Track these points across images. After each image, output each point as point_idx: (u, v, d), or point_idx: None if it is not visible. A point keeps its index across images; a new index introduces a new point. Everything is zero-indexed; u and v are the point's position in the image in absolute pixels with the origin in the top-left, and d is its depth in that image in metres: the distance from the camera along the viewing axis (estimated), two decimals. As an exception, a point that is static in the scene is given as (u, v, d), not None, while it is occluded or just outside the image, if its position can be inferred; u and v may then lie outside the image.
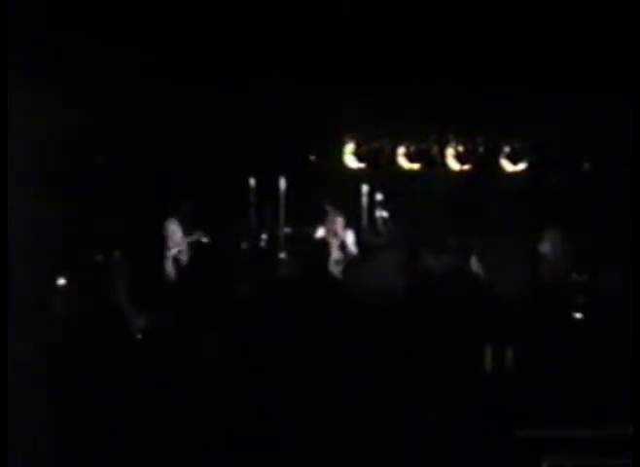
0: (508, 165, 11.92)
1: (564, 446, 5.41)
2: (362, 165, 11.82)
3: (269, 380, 6.01)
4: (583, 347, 7.07)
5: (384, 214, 11.99)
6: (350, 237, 10.46)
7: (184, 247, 10.03)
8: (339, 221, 10.39)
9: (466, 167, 11.87)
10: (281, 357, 6.27)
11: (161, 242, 10.17)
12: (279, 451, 5.45)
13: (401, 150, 11.82)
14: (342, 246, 10.25)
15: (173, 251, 10.01)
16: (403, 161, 11.85)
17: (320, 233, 10.36)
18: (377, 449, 5.48)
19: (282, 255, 10.87)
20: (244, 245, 11.00)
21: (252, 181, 11.48)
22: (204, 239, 10.04)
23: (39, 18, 7.74)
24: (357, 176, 11.93)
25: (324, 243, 9.99)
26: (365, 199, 12.01)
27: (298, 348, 6.44)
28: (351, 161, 11.76)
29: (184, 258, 9.99)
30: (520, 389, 6.47)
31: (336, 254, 9.99)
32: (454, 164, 11.86)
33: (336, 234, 10.24)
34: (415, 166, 11.89)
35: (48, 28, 8.03)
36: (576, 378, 6.41)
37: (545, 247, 9.70)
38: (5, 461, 4.71)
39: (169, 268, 10.04)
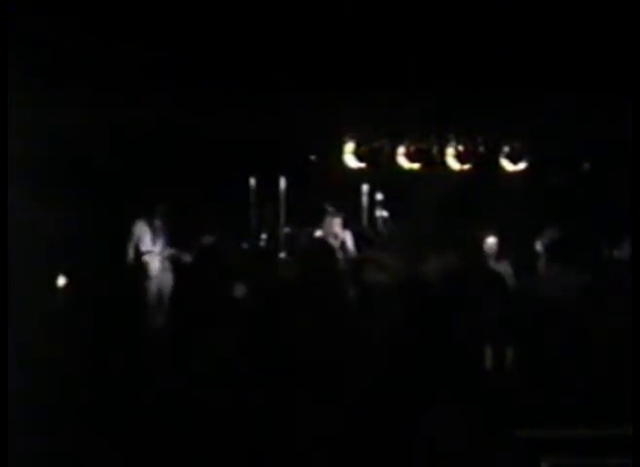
0: (508, 165, 11.92)
1: (564, 446, 5.41)
2: (362, 165, 11.82)
3: (270, 381, 6.01)
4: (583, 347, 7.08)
5: (384, 214, 11.99)
6: (349, 238, 10.46)
7: (157, 250, 10.03)
8: (338, 221, 10.39)
9: (466, 167, 11.87)
10: (281, 358, 6.27)
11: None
12: (279, 451, 5.46)
13: (401, 150, 11.81)
14: (342, 247, 10.25)
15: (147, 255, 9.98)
16: (403, 161, 11.85)
17: (318, 234, 10.36)
18: (377, 449, 5.48)
19: (282, 255, 10.88)
20: (244, 245, 11.01)
21: (252, 181, 11.49)
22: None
23: (39, 18, 7.74)
24: (357, 176, 11.93)
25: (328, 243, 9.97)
26: (365, 199, 12.01)
27: (298, 348, 6.44)
28: (351, 160, 11.75)
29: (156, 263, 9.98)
30: (520, 389, 6.47)
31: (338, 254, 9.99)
32: (454, 164, 11.86)
33: (336, 236, 10.25)
34: (415, 166, 11.88)
35: (48, 28, 8.03)
36: (576, 378, 6.42)
37: (543, 245, 9.71)
38: (5, 461, 4.71)
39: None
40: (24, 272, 5.97)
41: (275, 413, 5.74)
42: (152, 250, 10.09)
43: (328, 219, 10.56)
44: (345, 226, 10.69)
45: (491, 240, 9.87)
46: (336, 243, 10.08)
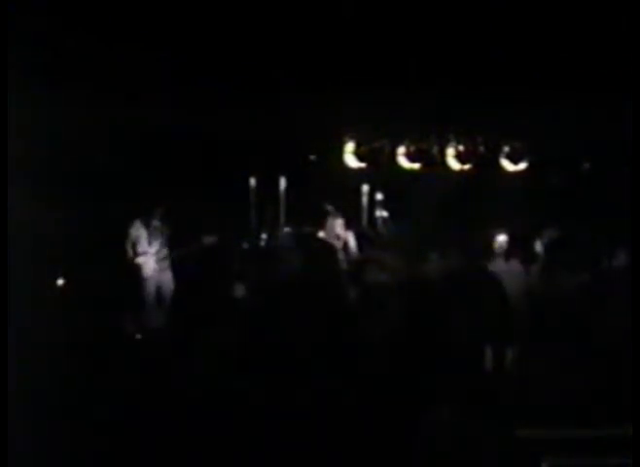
0: (508, 165, 11.91)
1: (564, 446, 5.42)
2: (362, 165, 11.82)
3: (271, 381, 6.01)
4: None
5: (384, 214, 11.99)
6: (352, 239, 10.45)
7: (153, 251, 10.02)
8: (340, 222, 10.38)
9: (466, 167, 11.87)
10: (283, 357, 6.27)
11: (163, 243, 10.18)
12: (279, 451, 5.46)
13: (401, 150, 11.81)
14: (345, 248, 10.24)
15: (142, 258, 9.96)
16: (403, 161, 11.84)
17: (321, 235, 10.34)
18: (377, 449, 5.48)
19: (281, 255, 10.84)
20: (244, 245, 10.99)
21: (252, 181, 11.48)
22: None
23: (39, 18, 7.74)
24: (357, 176, 11.93)
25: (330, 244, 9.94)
26: (365, 199, 12.01)
27: (299, 348, 6.44)
28: (351, 160, 11.75)
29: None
30: (520, 389, 6.47)
31: (340, 255, 9.98)
32: (454, 164, 11.86)
33: (338, 237, 10.24)
34: (415, 166, 11.88)
35: (48, 28, 8.03)
36: (576, 378, 6.42)
37: (542, 245, 9.70)
38: (5, 461, 4.71)
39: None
40: (24, 272, 5.97)
41: (276, 413, 5.74)
42: (147, 251, 10.08)
43: (330, 220, 10.54)
44: (347, 226, 10.67)
45: (501, 238, 9.80)
46: (338, 244, 10.08)
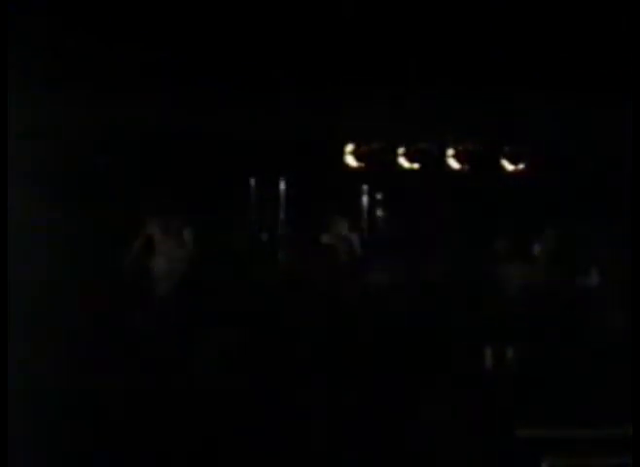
0: (508, 165, 11.91)
1: (564, 446, 5.42)
2: (362, 165, 11.81)
3: (271, 380, 6.02)
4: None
5: (384, 214, 11.99)
6: (356, 240, 10.45)
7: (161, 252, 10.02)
8: (343, 224, 10.38)
9: (466, 167, 11.86)
10: (283, 357, 6.28)
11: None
12: (280, 450, 5.46)
13: (401, 150, 11.80)
14: (349, 249, 10.24)
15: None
16: (403, 161, 11.84)
17: (325, 238, 10.34)
18: (377, 448, 5.48)
19: (282, 255, 10.86)
20: (244, 245, 11.00)
21: (252, 181, 11.49)
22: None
23: (39, 18, 7.74)
24: (357, 176, 11.93)
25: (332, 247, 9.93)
26: (365, 199, 12.01)
27: (299, 348, 6.45)
28: (351, 160, 11.75)
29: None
30: (520, 389, 6.48)
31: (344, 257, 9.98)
32: (454, 164, 11.86)
33: (342, 239, 10.24)
34: (415, 166, 11.88)
35: (48, 28, 8.04)
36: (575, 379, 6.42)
37: (541, 246, 9.69)
38: (5, 461, 4.71)
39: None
40: (24, 273, 5.97)
41: (275, 413, 5.75)
42: (153, 252, 10.09)
43: (333, 222, 10.54)
44: (350, 228, 10.67)
45: (501, 239, 9.81)
46: (343, 246, 10.07)
